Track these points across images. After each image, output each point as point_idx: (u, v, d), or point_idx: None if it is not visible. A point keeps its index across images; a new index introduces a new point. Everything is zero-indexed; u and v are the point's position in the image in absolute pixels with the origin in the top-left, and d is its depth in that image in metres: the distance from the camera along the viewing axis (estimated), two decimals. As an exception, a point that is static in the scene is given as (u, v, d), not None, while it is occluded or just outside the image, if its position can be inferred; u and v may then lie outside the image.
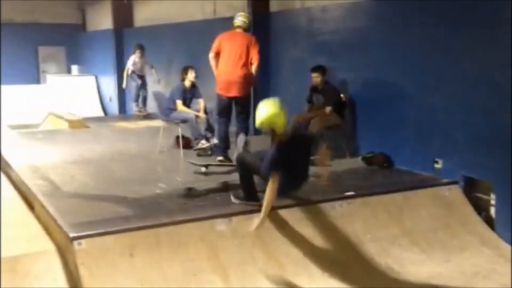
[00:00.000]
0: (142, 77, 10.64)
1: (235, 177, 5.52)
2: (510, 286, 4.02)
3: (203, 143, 6.79)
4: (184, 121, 7.03)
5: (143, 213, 4.51)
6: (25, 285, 3.65)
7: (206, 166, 5.90)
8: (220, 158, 6.13)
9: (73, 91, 13.18)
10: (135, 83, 10.66)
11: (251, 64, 5.98)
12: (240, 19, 6.12)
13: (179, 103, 7.17)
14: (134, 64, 10.45)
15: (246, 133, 6.20)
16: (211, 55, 6.13)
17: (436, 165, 5.57)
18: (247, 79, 6.01)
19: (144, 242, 3.98)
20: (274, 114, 4.16)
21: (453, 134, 5.43)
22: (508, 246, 4.76)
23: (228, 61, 5.98)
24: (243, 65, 5.95)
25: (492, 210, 5.07)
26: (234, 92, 6.00)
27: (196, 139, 6.92)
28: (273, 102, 4.24)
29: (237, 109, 6.14)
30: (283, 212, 4.59)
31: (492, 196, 5.08)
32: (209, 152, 6.65)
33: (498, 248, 4.74)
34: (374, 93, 6.43)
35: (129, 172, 6.04)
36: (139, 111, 10.67)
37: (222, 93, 6.04)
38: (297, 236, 4.47)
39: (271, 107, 4.19)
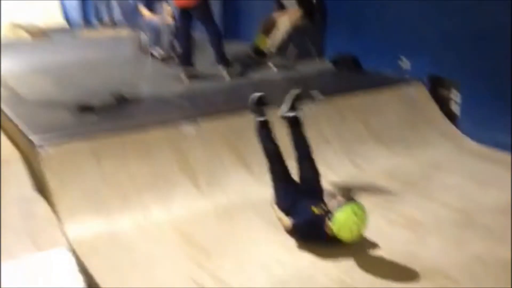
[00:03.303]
0: None
1: (199, 87, 5.54)
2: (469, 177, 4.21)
3: (159, 51, 6.68)
4: (150, 28, 6.86)
5: (109, 119, 4.49)
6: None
7: (188, 75, 5.80)
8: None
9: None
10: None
11: None
12: None
13: (143, 9, 6.95)
14: None
15: (218, 42, 5.93)
16: None
17: (402, 64, 5.59)
18: None
19: (110, 146, 3.98)
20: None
21: (421, 33, 5.40)
22: (469, 140, 4.92)
23: None
24: None
25: (456, 107, 5.17)
26: (183, 2, 5.67)
27: (152, 47, 6.79)
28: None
29: (198, 20, 5.85)
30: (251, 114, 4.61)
31: (456, 93, 5.17)
32: (175, 59, 6.54)
33: (459, 142, 4.90)
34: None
35: (94, 80, 5.94)
36: (103, 24, 10.25)
37: (174, 1, 5.82)
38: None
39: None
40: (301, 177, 3.70)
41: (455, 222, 3.58)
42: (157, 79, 6.03)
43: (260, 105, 3.87)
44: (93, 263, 3.13)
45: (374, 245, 3.23)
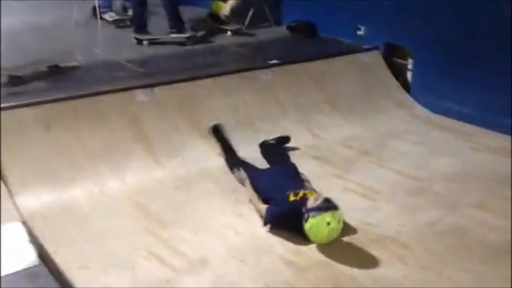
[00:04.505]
0: None
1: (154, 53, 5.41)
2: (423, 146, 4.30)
3: (112, 15, 6.48)
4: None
5: (60, 85, 4.33)
6: None
7: (149, 40, 5.63)
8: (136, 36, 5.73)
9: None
10: None
11: None
12: None
13: (93, -30, 6.68)
14: None
15: (172, 6, 5.70)
16: None
17: (359, 32, 5.60)
18: None
19: (61, 114, 3.84)
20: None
21: (377, 1, 5.40)
22: (422, 108, 5.00)
23: None
24: None
25: (409, 75, 5.24)
26: None
27: (104, 10, 6.57)
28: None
29: None
30: (207, 82, 4.55)
31: (410, 61, 5.23)
32: (128, 23, 6.34)
33: (412, 110, 4.98)
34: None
35: (44, 44, 5.70)
36: None
37: None
38: (222, 106, 4.48)
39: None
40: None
41: (409, 189, 3.65)
42: (108, 44, 5.87)
43: (216, 133, 4.06)
44: (46, 235, 3.06)
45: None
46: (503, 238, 3.09)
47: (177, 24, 5.69)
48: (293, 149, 4.17)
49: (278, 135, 4.25)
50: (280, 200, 3.16)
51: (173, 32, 5.64)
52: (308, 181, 3.49)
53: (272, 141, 4.12)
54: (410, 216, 3.33)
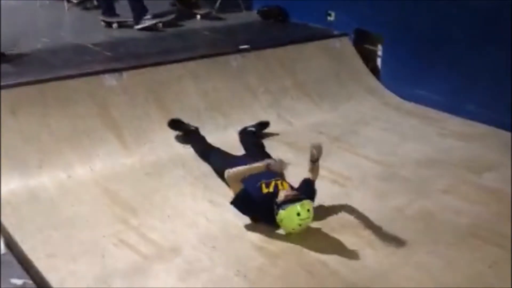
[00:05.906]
0: None
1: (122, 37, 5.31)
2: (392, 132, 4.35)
3: None
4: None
5: (25, 69, 4.22)
6: None
7: (118, 22, 5.50)
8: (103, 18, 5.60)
9: None
10: None
11: None
12: None
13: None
14: None
15: None
16: None
17: (329, 18, 5.61)
18: None
19: (27, 99, 3.76)
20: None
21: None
22: (391, 94, 5.05)
23: None
24: None
25: (379, 61, 5.28)
26: None
27: None
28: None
29: None
30: (177, 67, 4.50)
31: (380, 47, 5.26)
32: (95, 4, 6.20)
33: (382, 97, 5.03)
34: None
35: (6, 26, 5.52)
36: None
37: None
38: (192, 91, 4.44)
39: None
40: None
41: (378, 175, 3.69)
42: (75, 26, 5.76)
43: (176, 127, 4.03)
44: (13, 223, 3.00)
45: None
46: (470, 222, 3.17)
47: (140, 14, 5.49)
48: (264, 135, 4.17)
49: (249, 121, 4.23)
50: (252, 188, 3.13)
51: (137, 24, 5.51)
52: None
53: (252, 128, 4.10)
54: (379, 202, 3.37)
